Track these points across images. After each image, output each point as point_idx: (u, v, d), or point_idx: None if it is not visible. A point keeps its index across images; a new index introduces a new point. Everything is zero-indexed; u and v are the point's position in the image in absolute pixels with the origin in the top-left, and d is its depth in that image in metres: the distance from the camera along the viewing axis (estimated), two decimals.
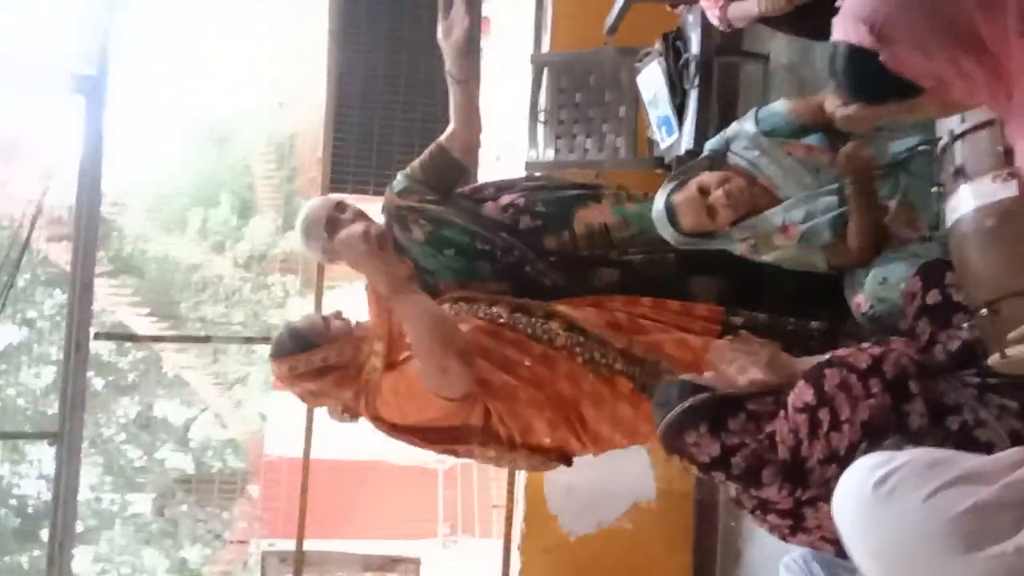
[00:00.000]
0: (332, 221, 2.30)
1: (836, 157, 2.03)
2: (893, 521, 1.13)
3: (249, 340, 3.81)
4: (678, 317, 2.21)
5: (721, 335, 2.23)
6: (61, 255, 3.86)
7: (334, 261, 2.41)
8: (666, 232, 2.19)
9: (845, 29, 1.24)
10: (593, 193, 2.42)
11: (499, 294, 2.29)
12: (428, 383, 2.03)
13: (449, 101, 2.41)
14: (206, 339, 3.72)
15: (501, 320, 2.16)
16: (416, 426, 2.15)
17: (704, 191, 2.14)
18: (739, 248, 2.18)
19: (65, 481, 3.40)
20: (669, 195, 2.19)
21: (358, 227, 2.05)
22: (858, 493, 1.15)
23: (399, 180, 2.43)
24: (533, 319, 2.17)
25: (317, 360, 2.11)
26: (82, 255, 3.32)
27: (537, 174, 2.84)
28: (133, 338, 3.89)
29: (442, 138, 2.43)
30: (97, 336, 3.42)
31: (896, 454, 1.16)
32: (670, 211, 2.16)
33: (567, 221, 2.33)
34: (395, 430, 2.19)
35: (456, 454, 2.28)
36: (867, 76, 1.25)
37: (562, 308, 2.24)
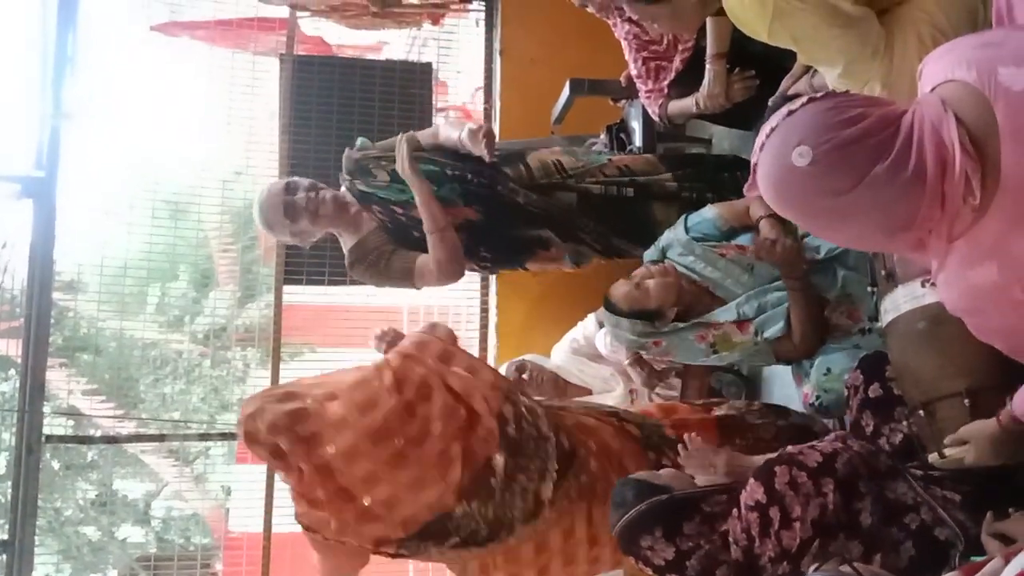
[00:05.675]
0: (288, 205, 2.42)
1: (755, 250, 2.11)
2: None
3: (205, 436, 3.74)
4: None
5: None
6: (11, 348, 3.77)
7: (307, 240, 2.52)
8: (619, 330, 2.24)
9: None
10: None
11: (468, 220, 2.38)
12: (432, 265, 2.32)
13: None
14: (160, 438, 3.64)
15: None
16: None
17: (631, 278, 2.27)
18: (700, 353, 2.24)
19: None
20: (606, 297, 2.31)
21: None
22: None
23: (362, 140, 2.53)
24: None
25: None
26: (32, 359, 3.25)
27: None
28: (85, 440, 3.80)
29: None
30: (48, 439, 3.33)
31: None
32: (608, 302, 2.28)
33: (522, 157, 2.50)
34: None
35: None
36: None
37: None
